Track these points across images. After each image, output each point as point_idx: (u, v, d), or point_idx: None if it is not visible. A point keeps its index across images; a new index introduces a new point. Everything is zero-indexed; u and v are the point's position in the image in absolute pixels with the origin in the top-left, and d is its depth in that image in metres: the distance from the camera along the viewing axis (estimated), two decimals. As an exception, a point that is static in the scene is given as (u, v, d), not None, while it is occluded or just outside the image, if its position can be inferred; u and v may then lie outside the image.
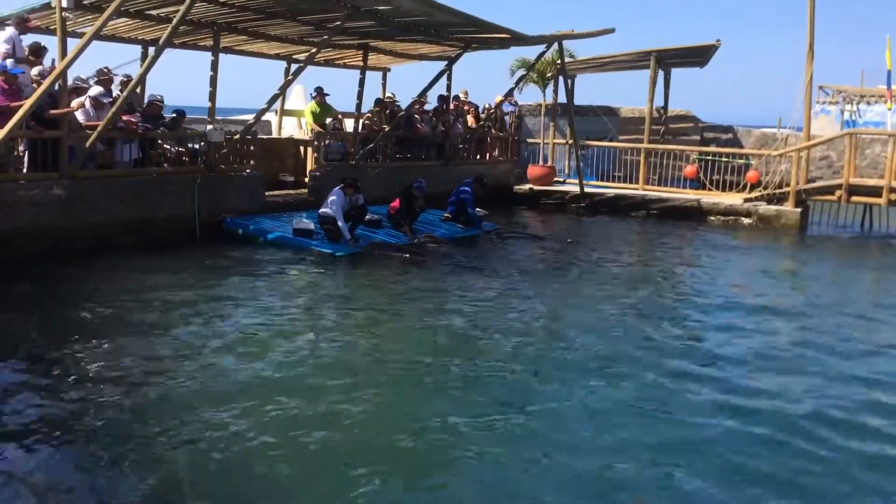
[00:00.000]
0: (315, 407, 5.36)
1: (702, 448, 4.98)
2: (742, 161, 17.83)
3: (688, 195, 17.21)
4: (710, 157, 17.98)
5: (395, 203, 12.28)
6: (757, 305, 9.11)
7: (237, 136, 12.22)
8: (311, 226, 11.23)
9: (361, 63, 15.24)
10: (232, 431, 4.90)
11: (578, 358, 6.78)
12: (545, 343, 7.25)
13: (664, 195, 17.32)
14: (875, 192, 15.29)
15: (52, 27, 10.48)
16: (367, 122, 15.10)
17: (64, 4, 9.64)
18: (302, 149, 15.25)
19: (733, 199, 16.62)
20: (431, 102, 16.85)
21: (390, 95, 16.61)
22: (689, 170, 17.76)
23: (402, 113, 15.59)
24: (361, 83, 14.75)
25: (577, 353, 6.92)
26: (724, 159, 17.80)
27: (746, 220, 16.03)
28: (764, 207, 15.93)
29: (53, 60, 10.34)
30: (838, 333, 7.94)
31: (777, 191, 16.21)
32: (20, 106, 9.17)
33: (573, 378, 6.24)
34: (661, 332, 7.74)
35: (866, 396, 6.08)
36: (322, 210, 11.19)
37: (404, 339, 7.21)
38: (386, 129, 15.07)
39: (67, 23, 10.23)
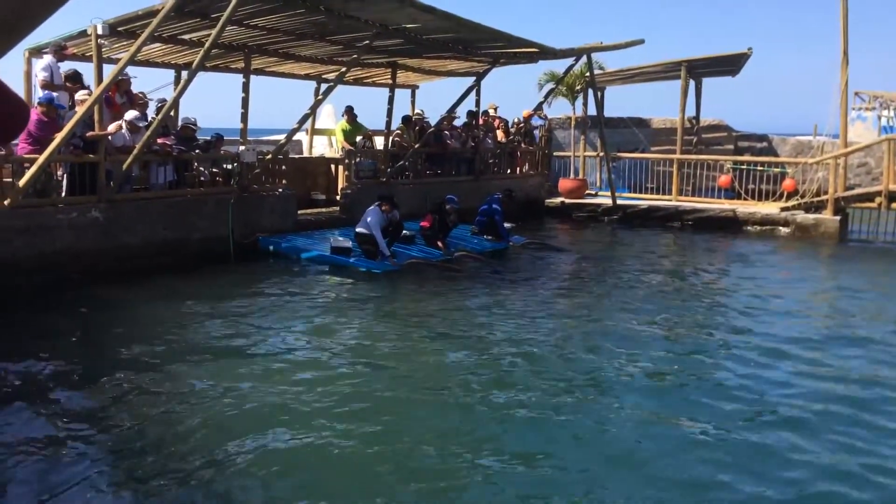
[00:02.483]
0: (357, 427, 5.32)
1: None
2: (778, 170, 17.54)
3: (723, 205, 16.95)
4: (744, 167, 17.72)
5: (427, 221, 12.25)
6: (806, 325, 8.68)
7: (269, 156, 12.34)
8: (349, 244, 11.24)
9: (390, 81, 15.34)
10: (269, 454, 4.89)
11: (622, 380, 6.63)
12: (588, 364, 7.12)
13: (698, 206, 17.08)
14: (917, 197, 14.91)
15: (88, 54, 10.73)
16: (395, 139, 15.17)
17: (99, 32, 9.86)
18: (333, 167, 15.37)
19: (770, 208, 16.33)
20: (461, 118, 16.88)
21: (419, 112, 16.67)
22: (724, 179, 17.53)
23: (431, 129, 15.63)
24: (390, 101, 14.85)
25: (621, 375, 6.77)
26: (759, 168, 17.52)
27: (784, 230, 15.73)
28: (802, 216, 15.62)
29: (89, 86, 10.56)
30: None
31: (815, 199, 15.89)
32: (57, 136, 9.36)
33: (617, 402, 6.12)
34: (711, 359, 7.42)
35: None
36: (359, 228, 11.20)
37: (448, 359, 7.10)
38: (416, 146, 15.12)
39: (103, 49, 10.44)
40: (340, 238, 11.48)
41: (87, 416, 5.43)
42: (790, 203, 16.16)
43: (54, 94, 10.04)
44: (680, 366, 6.88)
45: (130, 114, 10.68)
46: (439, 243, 12.00)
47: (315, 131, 17.13)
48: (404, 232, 11.87)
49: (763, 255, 13.40)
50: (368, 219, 11.03)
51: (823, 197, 15.70)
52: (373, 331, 8.02)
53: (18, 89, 11.80)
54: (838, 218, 15.24)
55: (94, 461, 4.73)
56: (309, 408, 5.61)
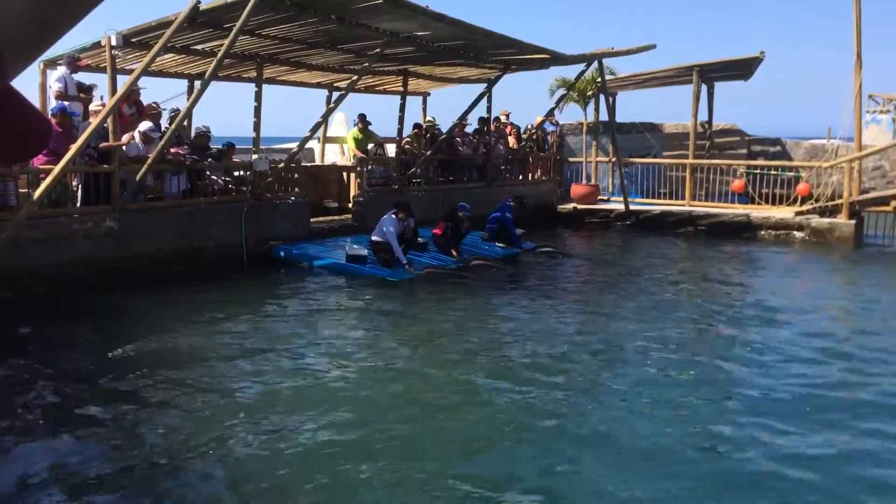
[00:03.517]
0: (373, 439, 5.32)
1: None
2: (792, 174, 17.43)
3: (737, 210, 16.86)
4: (758, 171, 17.63)
5: (439, 228, 12.24)
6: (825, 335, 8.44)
7: (282, 165, 12.38)
8: (365, 251, 11.21)
9: (401, 88, 15.38)
10: (283, 468, 4.89)
11: (640, 389, 6.60)
12: (608, 372, 7.08)
13: (712, 211, 16.99)
14: (933, 201, 14.78)
15: (102, 65, 10.81)
16: (406, 145, 15.18)
17: (113, 43, 9.94)
18: (345, 175, 15.42)
19: (784, 212, 16.23)
20: (472, 124, 16.89)
21: (430, 119, 16.70)
22: (737, 184, 17.43)
23: (443, 136, 15.65)
24: (402, 108, 14.89)
25: (641, 384, 6.73)
26: (772, 172, 17.42)
27: (799, 234, 15.62)
28: (816, 220, 15.50)
29: (103, 97, 10.65)
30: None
31: (829, 203, 15.78)
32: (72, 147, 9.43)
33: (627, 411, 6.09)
34: (727, 367, 7.42)
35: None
36: (374, 237, 11.19)
37: (468, 369, 6.98)
38: (427, 153, 15.13)
39: (117, 60, 10.52)
40: (355, 246, 11.45)
41: (100, 423, 5.45)
42: (805, 207, 16.05)
43: (66, 103, 10.13)
44: (701, 378, 6.83)
45: (144, 125, 10.75)
46: (453, 251, 11.98)
47: (327, 139, 17.20)
48: (419, 239, 11.88)
49: (778, 260, 13.31)
50: (385, 227, 11.01)
51: (838, 201, 15.59)
52: (390, 340, 8.01)
53: (34, 101, 11.94)
54: (853, 222, 15.13)
55: (103, 467, 4.74)
56: (323, 418, 5.61)
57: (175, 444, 5.12)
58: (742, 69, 19.50)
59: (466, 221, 12.32)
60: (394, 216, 11.12)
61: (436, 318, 8.81)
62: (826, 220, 15.42)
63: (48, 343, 7.54)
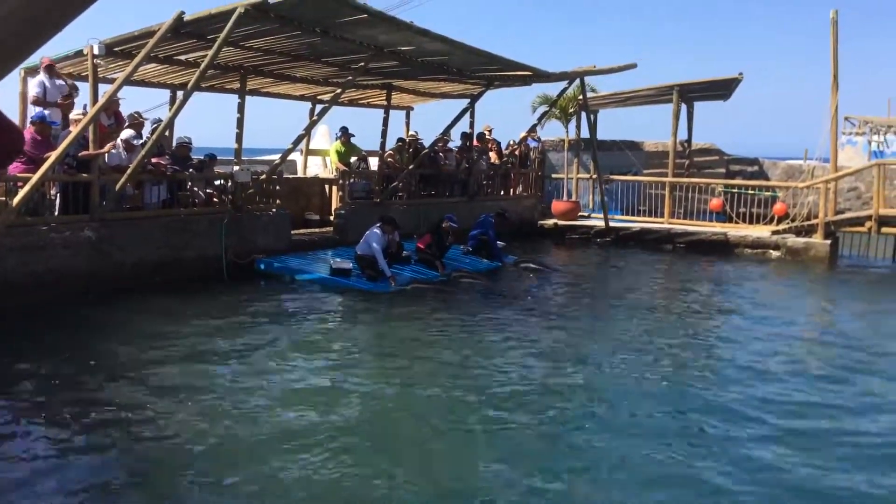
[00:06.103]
0: (353, 453, 5.30)
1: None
2: (769, 193, 17.68)
3: (714, 228, 17.05)
4: (736, 190, 17.85)
5: (424, 241, 12.24)
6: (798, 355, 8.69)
7: (263, 176, 12.36)
8: (349, 265, 11.17)
9: (385, 102, 15.44)
10: (257, 478, 4.86)
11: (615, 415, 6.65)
12: (584, 393, 7.13)
13: (690, 229, 17.17)
14: (906, 222, 15.03)
15: (83, 73, 10.75)
16: (388, 159, 15.21)
17: (96, 52, 9.90)
18: (327, 187, 15.42)
19: (761, 231, 16.44)
20: (455, 140, 16.99)
21: (413, 133, 16.77)
22: (715, 203, 17.64)
23: (425, 150, 15.71)
24: (385, 122, 14.95)
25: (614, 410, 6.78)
26: (750, 192, 17.66)
27: (775, 253, 15.80)
28: (792, 240, 15.70)
29: (85, 106, 10.58)
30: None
31: (805, 223, 16.01)
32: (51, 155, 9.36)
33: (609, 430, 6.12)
34: (695, 386, 7.53)
35: None
36: (359, 251, 11.16)
37: (450, 384, 6.99)
38: (410, 168, 15.18)
39: (99, 69, 10.47)
40: (339, 259, 11.41)
41: (76, 434, 5.39)
42: (781, 227, 16.27)
43: (46, 111, 10.05)
44: (673, 392, 6.89)
45: (126, 132, 10.71)
46: (437, 263, 11.96)
47: (310, 152, 17.19)
48: (403, 253, 11.90)
49: (754, 279, 13.44)
50: (371, 242, 10.98)
51: (814, 221, 15.82)
52: (369, 356, 7.99)
53: (14, 109, 11.77)
54: (828, 242, 15.34)
55: (85, 478, 4.69)
56: (304, 432, 5.59)
57: (148, 456, 5.07)
58: (721, 89, 19.80)
59: (451, 234, 12.32)
60: (378, 230, 11.11)
61: (418, 334, 8.76)
62: (802, 240, 15.62)
63: (24, 353, 7.43)
